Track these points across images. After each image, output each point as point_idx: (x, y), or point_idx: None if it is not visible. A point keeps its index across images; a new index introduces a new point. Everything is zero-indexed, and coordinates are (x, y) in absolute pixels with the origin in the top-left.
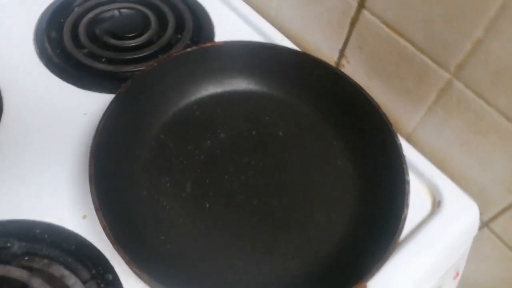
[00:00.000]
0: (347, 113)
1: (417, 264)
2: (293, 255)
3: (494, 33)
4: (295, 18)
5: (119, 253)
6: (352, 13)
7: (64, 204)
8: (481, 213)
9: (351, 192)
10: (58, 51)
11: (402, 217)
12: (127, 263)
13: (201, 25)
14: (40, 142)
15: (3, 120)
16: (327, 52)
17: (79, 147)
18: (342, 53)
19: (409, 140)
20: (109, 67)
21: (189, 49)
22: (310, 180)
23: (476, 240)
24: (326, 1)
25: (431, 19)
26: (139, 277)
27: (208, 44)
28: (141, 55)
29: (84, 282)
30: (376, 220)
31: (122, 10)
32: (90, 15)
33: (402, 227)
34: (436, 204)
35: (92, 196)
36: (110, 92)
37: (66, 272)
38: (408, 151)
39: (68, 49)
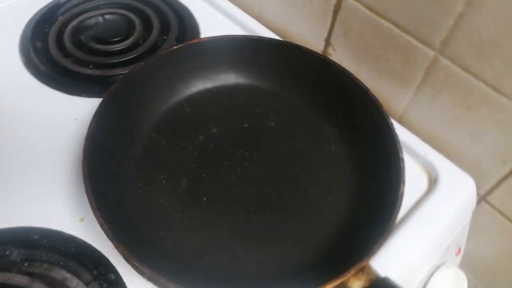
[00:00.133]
0: (337, 98)
1: (417, 241)
2: (293, 242)
3: (475, 6)
4: (279, 11)
5: (119, 249)
6: (334, 0)
7: (61, 209)
8: (477, 188)
9: (347, 176)
10: (44, 60)
11: (399, 193)
12: (128, 259)
13: (186, 25)
14: (33, 150)
15: None
16: (313, 42)
17: (72, 152)
18: (328, 42)
19: (401, 121)
20: (97, 72)
21: (175, 47)
22: (305, 167)
23: (475, 215)
24: None
25: None
26: (141, 273)
27: (194, 41)
28: (128, 58)
29: (87, 284)
30: (374, 199)
31: (106, 16)
32: (74, 22)
33: (400, 203)
34: (433, 182)
35: (88, 196)
36: (99, 96)
37: (68, 275)
38: (401, 132)
39: (54, 57)
